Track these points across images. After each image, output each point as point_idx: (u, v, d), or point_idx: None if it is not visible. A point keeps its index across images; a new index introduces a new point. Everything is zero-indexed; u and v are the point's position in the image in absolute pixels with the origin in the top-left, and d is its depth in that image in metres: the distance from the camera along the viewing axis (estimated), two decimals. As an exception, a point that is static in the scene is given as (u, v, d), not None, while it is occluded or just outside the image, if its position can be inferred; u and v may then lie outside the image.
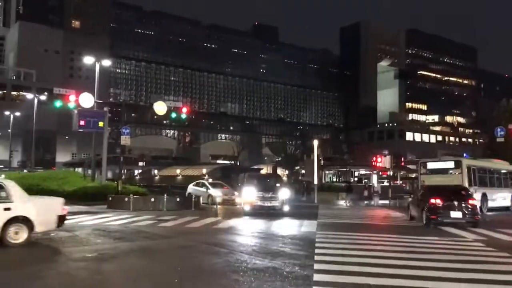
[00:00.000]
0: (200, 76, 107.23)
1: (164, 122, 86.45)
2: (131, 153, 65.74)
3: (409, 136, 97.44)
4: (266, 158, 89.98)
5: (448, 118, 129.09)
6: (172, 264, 8.30)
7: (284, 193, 19.64)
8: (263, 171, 54.83)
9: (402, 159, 49.65)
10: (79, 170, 48.32)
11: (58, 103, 22.13)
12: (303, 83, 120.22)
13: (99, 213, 17.81)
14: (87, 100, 21.52)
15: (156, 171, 57.47)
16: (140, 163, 65.12)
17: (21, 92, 69.30)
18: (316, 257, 8.72)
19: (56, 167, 59.20)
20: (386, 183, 41.23)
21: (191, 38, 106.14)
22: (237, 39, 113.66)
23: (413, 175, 60.30)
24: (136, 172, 62.05)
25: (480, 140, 73.05)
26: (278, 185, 20.41)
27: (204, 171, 48.97)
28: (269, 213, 18.66)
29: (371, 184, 39.48)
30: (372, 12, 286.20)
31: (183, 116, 25.53)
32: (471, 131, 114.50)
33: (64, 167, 61.39)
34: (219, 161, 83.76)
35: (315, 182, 34.25)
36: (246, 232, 13.34)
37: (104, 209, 19.73)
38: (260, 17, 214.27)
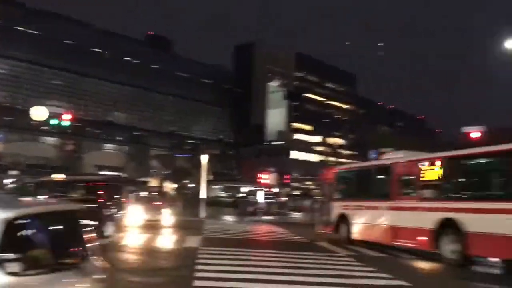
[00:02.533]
0: (87, 82, 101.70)
1: (43, 128, 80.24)
2: (1, 160, 59.77)
3: (294, 154, 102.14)
4: (154, 170, 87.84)
5: (330, 140, 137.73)
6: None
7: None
8: (150, 184, 53.50)
9: (286, 176, 51.98)
10: None
11: None
12: (195, 97, 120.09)
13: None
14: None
15: (30, 180, 52.86)
16: (12, 171, 59.35)
17: None
18: (196, 274, 8.68)
19: None
20: (271, 200, 42.63)
21: (80, 42, 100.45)
22: (129, 47, 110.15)
23: (297, 192, 63.17)
24: (6, 181, 56.35)
25: (354, 161, 79.24)
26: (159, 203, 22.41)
27: (86, 182, 46.20)
28: (151, 228, 18.21)
29: (256, 200, 40.51)
30: (265, 33, 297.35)
31: (65, 123, 24.03)
32: (349, 152, 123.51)
33: None
34: (103, 172, 79.76)
35: (203, 196, 34.24)
36: (126, 248, 12.84)
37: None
38: (155, 27, 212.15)
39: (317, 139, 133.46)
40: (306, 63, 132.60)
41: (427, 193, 12.78)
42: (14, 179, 56.05)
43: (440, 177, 12.48)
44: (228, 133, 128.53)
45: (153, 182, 55.55)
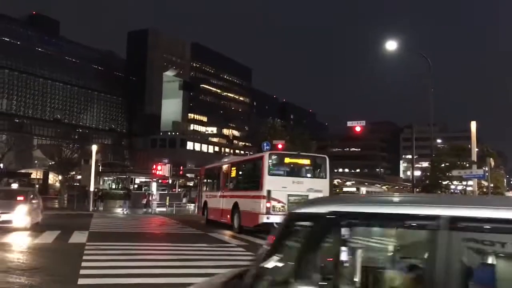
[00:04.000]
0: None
1: None
2: None
3: (190, 145, 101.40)
4: (36, 162, 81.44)
5: (225, 131, 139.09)
6: None
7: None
8: (33, 176, 49.65)
9: (182, 167, 51.46)
10: None
11: None
12: (85, 84, 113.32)
13: None
14: None
15: None
16: None
17: None
18: (81, 271, 8.24)
19: None
20: (165, 191, 41.98)
21: None
22: (9, 27, 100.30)
23: (191, 183, 62.96)
24: None
25: (251, 153, 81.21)
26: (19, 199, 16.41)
27: (-45, 175, 41.61)
28: (33, 225, 16.50)
29: (150, 191, 39.59)
30: (160, 20, 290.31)
31: None
32: (244, 143, 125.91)
33: None
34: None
35: (91, 188, 32.60)
36: (2, 246, 11.77)
37: None
38: (40, 7, 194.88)
39: (213, 130, 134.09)
40: (202, 53, 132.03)
41: (230, 185, 19.30)
42: None
43: (232, 175, 19.56)
44: (120, 122, 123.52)
45: (36, 174, 51.65)
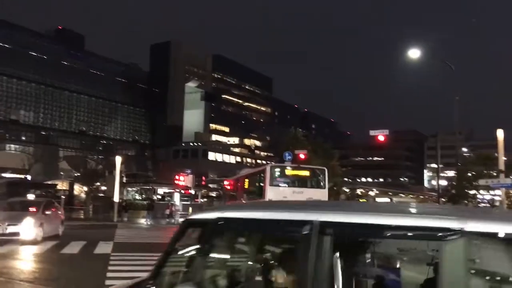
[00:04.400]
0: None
1: None
2: None
3: (211, 156, 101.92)
4: (62, 173, 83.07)
5: (247, 141, 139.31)
6: None
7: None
8: (59, 187, 50.50)
9: (204, 178, 51.70)
10: None
11: None
12: (109, 96, 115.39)
13: None
14: None
15: None
16: None
17: None
18: (107, 281, 8.33)
19: None
20: (188, 201, 42.21)
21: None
22: (36, 42, 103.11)
23: (214, 194, 63.15)
24: None
25: (272, 162, 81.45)
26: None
27: (-16, 186, 42.65)
28: (54, 236, 16.13)
29: (173, 202, 39.86)
30: (183, 32, 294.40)
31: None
32: (265, 153, 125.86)
33: None
34: (5, 175, 73.91)
35: (116, 199, 33.04)
36: (27, 257, 11.98)
37: None
38: (65, 22, 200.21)
39: (235, 140, 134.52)
40: (224, 64, 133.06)
41: (244, 196, 20.59)
42: None
43: (246, 186, 20.91)
44: (144, 133, 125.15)
45: (62, 185, 52.59)
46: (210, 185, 63.08)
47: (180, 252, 2.85)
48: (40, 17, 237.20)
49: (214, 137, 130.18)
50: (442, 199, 29.11)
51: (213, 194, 63.67)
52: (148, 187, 49.60)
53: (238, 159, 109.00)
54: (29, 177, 68.58)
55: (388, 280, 2.70)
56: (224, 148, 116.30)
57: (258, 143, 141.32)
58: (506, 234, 2.05)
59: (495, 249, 2.15)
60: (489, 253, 2.23)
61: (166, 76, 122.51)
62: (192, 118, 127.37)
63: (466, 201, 26.29)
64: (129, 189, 49.68)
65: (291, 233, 2.54)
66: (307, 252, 2.29)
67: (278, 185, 16.88)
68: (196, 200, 46.64)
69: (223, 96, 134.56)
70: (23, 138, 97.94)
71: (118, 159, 34.82)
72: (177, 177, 39.64)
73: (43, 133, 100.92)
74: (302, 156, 31.13)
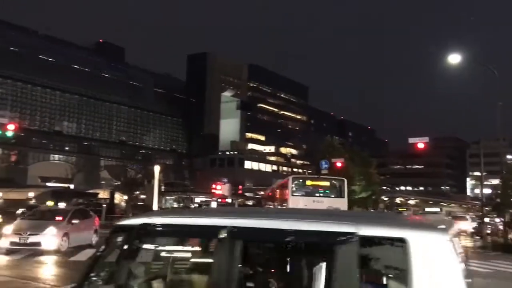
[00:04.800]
0: (32, 90, 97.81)
1: (-15, 138, 76.33)
2: None
3: (248, 164, 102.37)
4: (103, 182, 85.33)
5: (283, 149, 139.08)
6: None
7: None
8: (100, 196, 51.88)
9: (240, 187, 52.02)
10: None
11: None
12: (147, 106, 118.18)
13: None
14: None
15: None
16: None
17: None
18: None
19: None
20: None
21: (25, 48, 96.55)
22: (78, 55, 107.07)
23: (250, 202, 63.21)
24: None
25: (309, 171, 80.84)
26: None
27: (31, 194, 44.35)
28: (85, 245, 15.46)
29: (210, 210, 40.20)
30: (217, 43, 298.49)
31: (9, 133, 22.93)
32: (302, 162, 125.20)
33: None
34: (50, 184, 76.62)
35: (155, 207, 33.63)
36: (45, 265, 12.37)
37: None
38: (106, 35, 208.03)
39: (271, 149, 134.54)
40: (259, 73, 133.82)
41: (276, 205, 23.05)
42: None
43: (277, 196, 22.42)
44: (181, 143, 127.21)
45: (103, 194, 53.97)
46: (247, 194, 63.24)
47: (109, 257, 2.97)
48: (82, 30, 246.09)
49: (250, 146, 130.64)
50: (486, 208, 28.10)
51: (250, 202, 63.81)
52: (185, 196, 50.28)
53: (274, 167, 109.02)
54: (72, 186, 70.89)
55: (290, 280, 3.00)
56: (260, 157, 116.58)
57: (294, 151, 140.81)
58: (394, 237, 2.38)
59: (386, 250, 2.44)
60: (380, 254, 2.55)
61: (202, 85, 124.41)
62: (228, 127, 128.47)
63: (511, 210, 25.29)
64: (167, 197, 50.49)
65: (208, 237, 2.82)
66: (221, 254, 2.55)
67: (299, 195, 18.16)
68: (233, 208, 46.84)
69: (259, 105, 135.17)
70: (66, 148, 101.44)
71: (157, 168, 35.52)
72: (214, 185, 40.01)
73: (85, 143, 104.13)
74: (339, 164, 30.83)
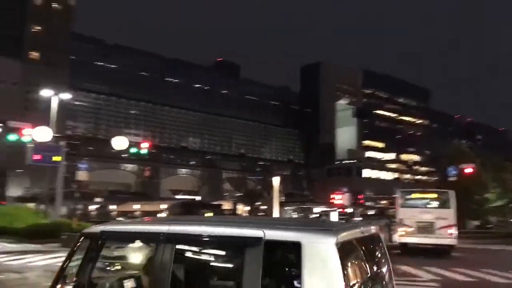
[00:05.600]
0: (161, 110, 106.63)
1: (123, 156, 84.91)
2: (87, 188, 63.74)
3: (366, 173, 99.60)
4: (226, 193, 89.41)
5: (403, 156, 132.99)
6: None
7: None
8: (224, 207, 54.44)
9: (360, 196, 50.70)
10: (32, 205, 46.31)
11: (11, 137, 21.31)
12: (263, 119, 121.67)
13: (51, 252, 16.94)
14: (42, 134, 20.87)
15: (113, 206, 55.84)
16: (97, 199, 63.15)
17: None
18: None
19: (7, 202, 56.54)
20: (345, 220, 41.68)
21: (152, 72, 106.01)
22: (199, 74, 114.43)
23: (371, 212, 61.34)
24: (92, 207, 60.05)
25: (434, 178, 76.02)
26: None
27: (164, 206, 48.07)
28: None
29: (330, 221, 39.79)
30: (329, 52, 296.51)
31: (144, 151, 25.19)
32: (425, 169, 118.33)
33: (16, 202, 58.55)
34: (179, 196, 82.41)
35: (275, 219, 34.24)
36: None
37: (58, 248, 18.72)
38: (222, 53, 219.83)
39: (390, 156, 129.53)
40: (375, 79, 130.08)
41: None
42: (98, 205, 59.80)
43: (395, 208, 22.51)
44: (298, 153, 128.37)
45: (227, 205, 56.54)
46: (367, 203, 61.42)
47: (75, 262, 3.39)
48: (201, 51, 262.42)
49: (368, 154, 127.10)
50: None
51: (371, 212, 61.91)
52: (304, 206, 50.45)
53: (395, 175, 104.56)
54: (198, 198, 75.36)
55: (208, 277, 3.36)
56: (379, 165, 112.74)
57: (416, 158, 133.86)
58: (292, 241, 2.75)
59: (287, 252, 2.86)
60: (281, 255, 2.95)
61: (316, 95, 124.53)
62: (344, 136, 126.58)
63: None
64: (286, 208, 51.10)
65: (151, 241, 3.30)
66: (159, 255, 3.04)
67: (407, 206, 19.65)
68: (353, 219, 45.80)
69: (376, 111, 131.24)
70: (192, 162, 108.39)
71: (276, 180, 36.17)
72: (332, 195, 39.59)
73: (208, 157, 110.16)
74: (469, 170, 28.57)
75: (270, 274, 2.86)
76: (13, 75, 77.66)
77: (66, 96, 28.62)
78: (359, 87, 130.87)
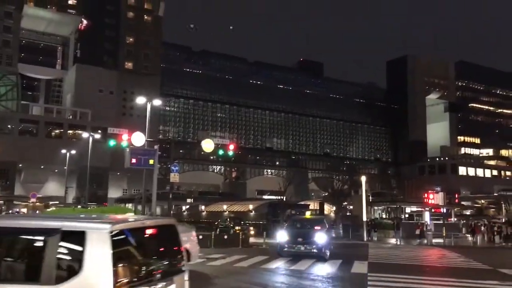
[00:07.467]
0: (246, 112, 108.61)
1: (211, 158, 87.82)
2: (179, 189, 66.71)
3: (462, 170, 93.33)
4: (312, 193, 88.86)
5: (503, 152, 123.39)
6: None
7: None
8: (310, 207, 54.10)
9: (456, 195, 47.61)
10: (130, 206, 49.56)
11: (112, 142, 23.13)
12: (349, 117, 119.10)
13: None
14: (138, 139, 22.23)
15: (203, 207, 57.97)
16: (188, 199, 65.98)
17: (77, 131, 71.90)
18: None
19: (108, 203, 61.08)
20: (440, 221, 39.53)
21: (237, 75, 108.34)
22: (282, 75, 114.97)
23: (468, 212, 57.67)
24: (184, 207, 62.85)
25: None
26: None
27: (251, 207, 48.99)
28: (311, 255, 16.70)
29: (423, 221, 37.93)
30: (416, 45, 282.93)
31: (230, 153, 25.85)
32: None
33: (115, 203, 63.09)
34: (265, 197, 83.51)
35: (364, 219, 33.40)
36: (293, 272, 13.09)
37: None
38: (304, 53, 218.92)
39: (488, 152, 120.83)
40: (469, 71, 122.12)
41: None
42: (189, 206, 62.42)
43: None
44: (385, 151, 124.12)
45: (313, 205, 56.15)
46: (464, 203, 57.76)
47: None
48: (284, 52, 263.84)
49: (463, 150, 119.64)
50: None
51: (467, 212, 58.22)
52: (395, 206, 48.55)
53: (495, 172, 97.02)
54: (284, 198, 75.72)
55: (19, 264, 4.16)
56: (476, 161, 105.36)
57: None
58: (81, 230, 3.90)
59: (79, 240, 3.84)
60: (76, 243, 3.85)
61: (404, 91, 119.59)
62: (436, 132, 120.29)
63: None
64: (375, 207, 49.55)
65: (37, 236, 4.07)
66: (47, 252, 3.88)
67: None
68: (449, 219, 43.34)
69: (470, 104, 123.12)
70: (277, 163, 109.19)
71: (363, 179, 35.28)
72: (425, 195, 37.64)
73: (293, 157, 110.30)
74: None
75: (66, 254, 3.87)
76: (110, 85, 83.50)
77: (158, 102, 30.32)
78: (451, 79, 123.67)
